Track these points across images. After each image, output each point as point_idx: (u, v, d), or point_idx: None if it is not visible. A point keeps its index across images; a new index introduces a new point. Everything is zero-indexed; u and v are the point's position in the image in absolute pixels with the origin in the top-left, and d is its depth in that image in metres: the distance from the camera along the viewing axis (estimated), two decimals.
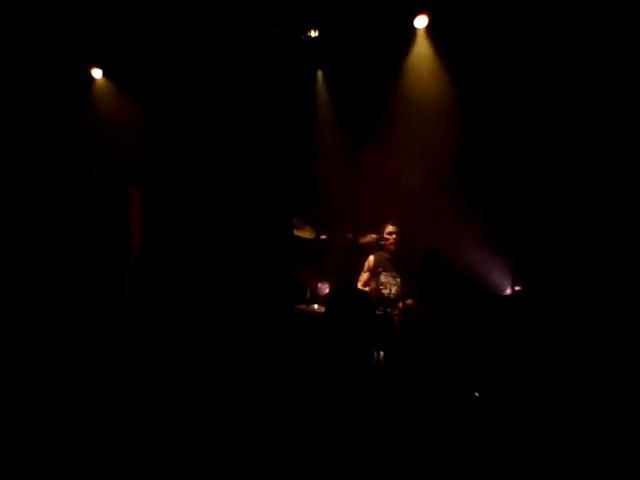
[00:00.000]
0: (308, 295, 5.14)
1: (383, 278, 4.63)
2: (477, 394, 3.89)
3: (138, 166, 5.18)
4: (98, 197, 4.17)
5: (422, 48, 4.63)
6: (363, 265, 4.84)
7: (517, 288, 4.36)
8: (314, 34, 4.87)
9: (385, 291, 4.61)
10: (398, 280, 4.59)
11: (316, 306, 5.00)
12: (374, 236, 4.68)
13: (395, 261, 4.63)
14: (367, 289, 4.69)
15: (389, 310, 4.43)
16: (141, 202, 4.14)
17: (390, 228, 4.64)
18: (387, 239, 4.64)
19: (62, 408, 3.31)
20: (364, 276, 4.82)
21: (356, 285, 4.77)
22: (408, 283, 4.49)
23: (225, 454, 2.94)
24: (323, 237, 5.20)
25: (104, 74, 5.52)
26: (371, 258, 4.76)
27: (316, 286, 5.21)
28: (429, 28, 4.62)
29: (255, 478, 2.73)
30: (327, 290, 5.18)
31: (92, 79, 5.52)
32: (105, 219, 4.08)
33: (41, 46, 5.01)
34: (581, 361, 3.93)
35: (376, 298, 4.54)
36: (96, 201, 4.16)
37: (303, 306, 5.02)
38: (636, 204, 4.03)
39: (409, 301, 4.44)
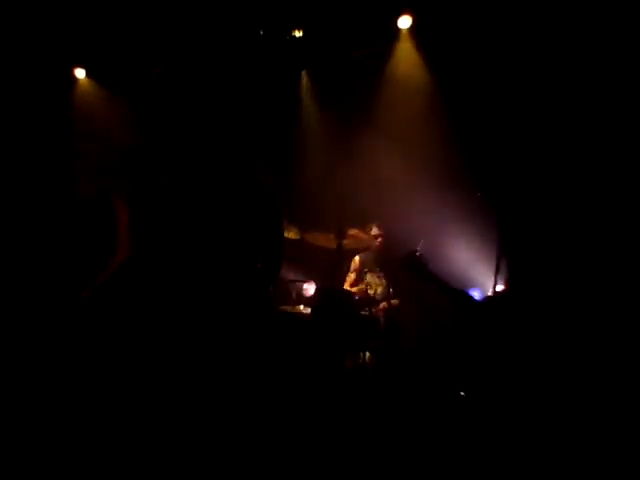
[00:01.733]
0: (294, 296, 5.10)
1: (369, 278, 4.63)
2: (463, 393, 3.87)
3: (123, 170, 5.14)
4: (83, 208, 4.09)
5: (406, 48, 4.65)
6: (349, 266, 4.82)
7: (502, 288, 4.36)
8: (298, 34, 4.87)
9: (370, 291, 4.60)
10: (384, 280, 4.59)
11: (301, 307, 4.97)
12: (356, 231, 4.67)
13: (380, 261, 4.63)
14: (354, 289, 4.68)
15: (374, 311, 4.42)
16: (129, 217, 4.06)
17: (375, 230, 4.63)
18: (373, 241, 4.64)
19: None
20: (350, 277, 4.81)
21: (342, 286, 4.75)
22: (394, 283, 4.49)
23: (208, 456, 2.90)
24: (308, 238, 5.17)
25: (87, 74, 5.46)
26: (357, 258, 4.75)
27: (301, 287, 5.17)
28: (413, 28, 4.64)
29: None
30: (313, 291, 5.15)
31: (75, 79, 5.47)
32: (89, 231, 4.01)
33: (21, 46, 4.95)
34: (568, 360, 3.93)
35: (362, 297, 4.53)
36: (81, 212, 4.09)
37: (289, 307, 4.99)
38: (626, 199, 4.05)
39: (394, 301, 4.43)
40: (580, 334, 3.95)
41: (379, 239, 4.62)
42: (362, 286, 4.62)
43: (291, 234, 5.08)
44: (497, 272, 4.05)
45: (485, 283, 4.37)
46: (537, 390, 3.75)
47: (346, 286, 4.78)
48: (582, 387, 3.67)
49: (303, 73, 5.31)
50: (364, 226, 4.68)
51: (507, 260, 4.31)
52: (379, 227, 4.64)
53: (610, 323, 3.90)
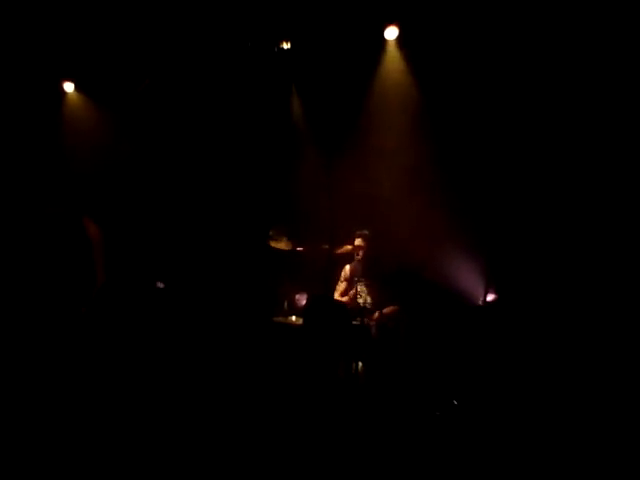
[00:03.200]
0: (286, 307, 5.09)
1: (359, 287, 4.63)
2: (455, 402, 3.88)
3: (108, 182, 5.13)
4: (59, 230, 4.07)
5: (393, 59, 4.68)
6: (340, 275, 4.83)
7: (492, 297, 4.38)
8: (286, 46, 4.89)
9: (360, 300, 4.60)
10: (373, 289, 4.59)
11: (294, 318, 4.96)
12: (349, 247, 4.68)
13: (370, 270, 4.63)
14: (345, 299, 4.69)
15: (366, 320, 4.42)
16: (100, 234, 4.04)
17: (357, 241, 4.64)
18: (356, 251, 4.65)
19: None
20: (341, 286, 4.81)
21: (333, 296, 4.76)
22: (383, 292, 4.49)
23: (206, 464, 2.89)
24: (299, 249, 5.17)
25: (76, 88, 5.45)
26: (347, 268, 4.77)
27: (293, 298, 5.16)
28: (399, 39, 4.67)
29: None
30: (304, 301, 5.14)
31: (63, 93, 5.46)
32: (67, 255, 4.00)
33: (9, 60, 4.94)
34: (560, 367, 3.95)
35: (353, 307, 4.53)
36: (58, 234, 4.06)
37: (281, 318, 4.97)
38: (613, 205, 4.09)
39: (386, 310, 4.43)
40: (571, 340, 3.99)
41: (360, 251, 4.63)
42: (351, 293, 4.62)
43: (282, 245, 5.08)
44: (487, 281, 4.09)
45: (476, 291, 4.40)
46: (530, 398, 3.76)
47: (336, 295, 4.78)
48: (572, 393, 3.70)
49: (292, 84, 5.32)
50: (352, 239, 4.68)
51: (497, 269, 4.37)
52: (362, 238, 4.64)
53: (599, 330, 3.94)
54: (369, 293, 4.62)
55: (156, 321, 4.90)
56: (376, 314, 4.44)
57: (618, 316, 3.91)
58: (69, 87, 5.43)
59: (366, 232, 4.64)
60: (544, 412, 3.58)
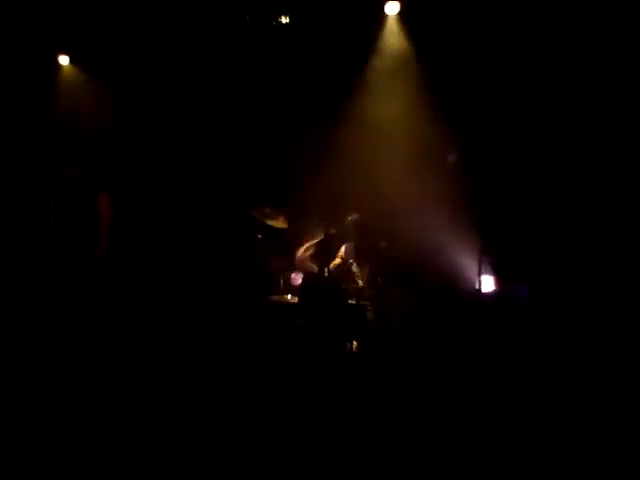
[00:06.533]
0: (281, 285, 5.09)
1: (354, 268, 4.62)
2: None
3: (107, 158, 5.09)
4: (68, 196, 4.16)
5: (393, 34, 4.59)
6: (335, 254, 4.81)
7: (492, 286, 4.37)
8: (285, 20, 4.79)
9: (359, 281, 4.60)
10: (367, 271, 4.59)
11: (289, 296, 4.95)
12: (350, 218, 4.66)
13: (364, 252, 4.62)
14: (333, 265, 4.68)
15: (361, 300, 4.42)
16: (111, 209, 4.21)
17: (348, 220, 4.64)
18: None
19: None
20: (335, 262, 4.78)
21: (329, 274, 4.74)
22: (377, 274, 4.48)
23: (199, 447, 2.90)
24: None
25: (71, 61, 5.36)
26: (343, 248, 4.74)
27: (289, 276, 5.15)
28: (401, 15, 4.57)
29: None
30: (300, 280, 5.13)
31: (59, 66, 5.37)
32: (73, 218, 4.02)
33: (3, 32, 4.85)
34: (555, 354, 3.94)
35: (348, 287, 4.52)
36: (66, 199, 4.14)
37: (276, 297, 4.97)
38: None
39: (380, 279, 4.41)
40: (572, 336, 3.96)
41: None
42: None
43: (278, 223, 5.06)
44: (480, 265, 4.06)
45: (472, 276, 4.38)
46: (522, 384, 3.74)
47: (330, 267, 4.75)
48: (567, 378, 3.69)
49: (289, 59, 5.21)
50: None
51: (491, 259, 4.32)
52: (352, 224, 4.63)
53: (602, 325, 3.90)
54: (363, 275, 4.61)
55: (150, 300, 4.92)
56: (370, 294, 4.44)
57: (620, 310, 3.89)
58: (64, 60, 5.34)
59: (356, 217, 4.61)
60: (543, 403, 3.50)
